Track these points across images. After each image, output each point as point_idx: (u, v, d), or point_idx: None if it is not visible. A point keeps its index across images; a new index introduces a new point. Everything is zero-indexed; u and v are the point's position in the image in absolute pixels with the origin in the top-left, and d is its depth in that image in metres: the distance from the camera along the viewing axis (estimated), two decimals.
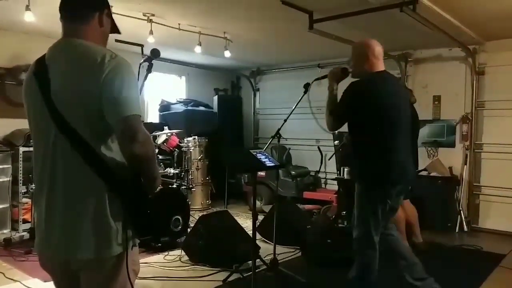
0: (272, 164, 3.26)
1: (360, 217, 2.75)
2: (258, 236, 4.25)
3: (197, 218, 4.41)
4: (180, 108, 7.14)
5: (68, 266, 1.52)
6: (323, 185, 6.92)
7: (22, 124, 5.03)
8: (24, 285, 3.42)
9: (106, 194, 1.43)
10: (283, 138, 3.97)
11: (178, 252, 4.19)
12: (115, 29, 1.68)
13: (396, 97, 2.79)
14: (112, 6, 1.68)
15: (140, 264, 1.73)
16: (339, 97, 2.79)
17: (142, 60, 2.11)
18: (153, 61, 2.12)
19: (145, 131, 1.42)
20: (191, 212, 4.94)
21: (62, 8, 1.55)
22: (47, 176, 1.48)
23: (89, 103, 1.40)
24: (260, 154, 3.26)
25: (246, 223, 5.37)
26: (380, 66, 2.80)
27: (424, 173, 5.60)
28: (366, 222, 2.71)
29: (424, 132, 5.80)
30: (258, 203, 6.21)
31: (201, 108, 7.47)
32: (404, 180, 2.79)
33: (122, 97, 1.39)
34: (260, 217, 4.91)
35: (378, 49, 2.79)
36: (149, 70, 2.09)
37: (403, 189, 2.84)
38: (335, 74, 2.87)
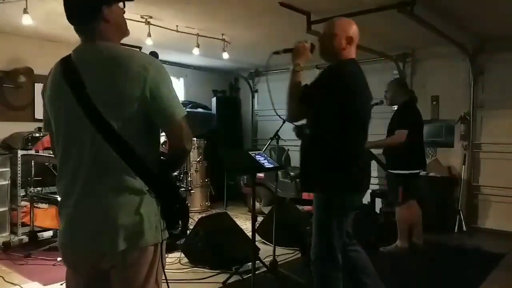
0: (271, 166, 3.27)
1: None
2: (257, 237, 4.24)
3: (197, 220, 4.40)
4: None
5: (100, 264, 1.50)
6: None
7: (21, 127, 5.03)
8: None
9: (141, 189, 1.48)
10: (282, 140, 3.97)
11: (177, 254, 4.17)
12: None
13: None
14: None
15: None
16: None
17: None
18: None
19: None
20: (190, 214, 4.93)
21: (68, 14, 1.51)
22: (81, 176, 1.47)
23: (132, 105, 1.44)
24: (259, 156, 3.27)
25: (245, 224, 5.38)
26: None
27: (423, 173, 5.59)
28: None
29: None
30: (257, 204, 6.20)
31: (200, 109, 7.48)
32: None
33: (171, 102, 1.52)
34: (260, 219, 4.91)
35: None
36: None
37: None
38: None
